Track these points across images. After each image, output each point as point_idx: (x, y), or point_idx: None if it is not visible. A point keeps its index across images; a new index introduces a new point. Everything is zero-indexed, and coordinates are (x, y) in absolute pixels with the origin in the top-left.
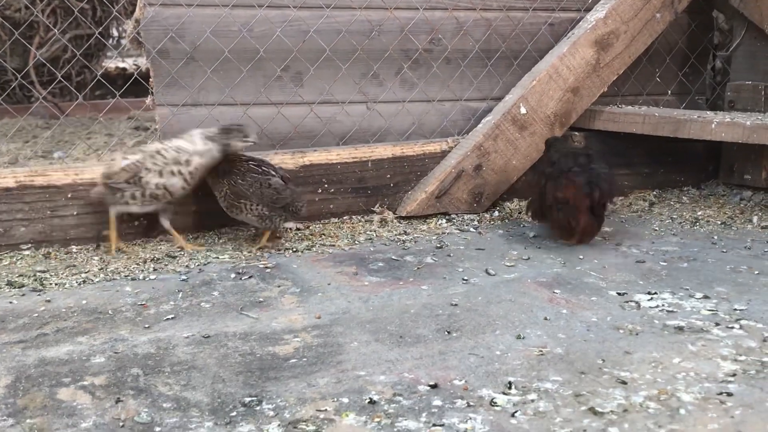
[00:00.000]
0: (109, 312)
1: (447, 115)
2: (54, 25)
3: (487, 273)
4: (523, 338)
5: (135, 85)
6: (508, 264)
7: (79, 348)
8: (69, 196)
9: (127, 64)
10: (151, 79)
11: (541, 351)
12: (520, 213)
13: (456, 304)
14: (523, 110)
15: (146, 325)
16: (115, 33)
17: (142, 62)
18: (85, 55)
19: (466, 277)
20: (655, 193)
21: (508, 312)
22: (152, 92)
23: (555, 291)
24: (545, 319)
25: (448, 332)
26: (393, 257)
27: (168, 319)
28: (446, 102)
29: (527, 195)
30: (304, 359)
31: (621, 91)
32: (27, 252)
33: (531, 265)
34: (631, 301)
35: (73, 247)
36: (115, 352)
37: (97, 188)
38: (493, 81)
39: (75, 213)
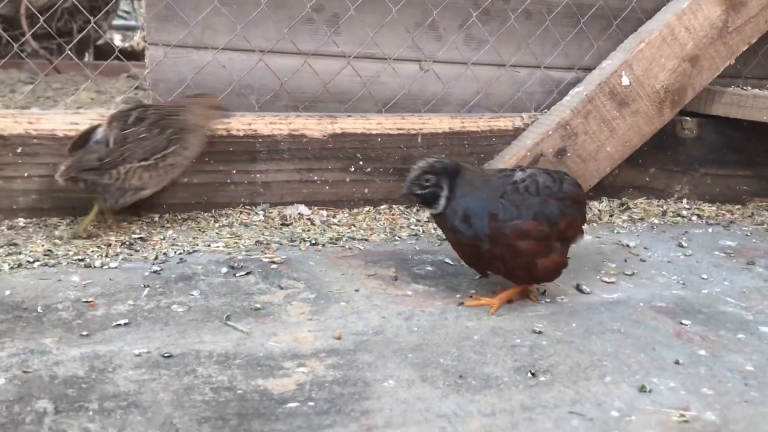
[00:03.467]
0: (38, 309)
1: (523, 85)
2: None
3: (579, 290)
4: (650, 391)
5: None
6: (606, 280)
7: None
8: (19, 151)
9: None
10: (142, 10)
11: (683, 415)
12: (611, 216)
13: (540, 332)
14: (625, 81)
15: (84, 332)
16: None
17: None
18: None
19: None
20: None
21: (618, 349)
22: (143, 28)
23: (682, 322)
24: (676, 363)
25: (533, 374)
26: (446, 260)
27: (119, 325)
28: (522, 68)
29: None
30: (311, 403)
31: (743, 71)
32: None
33: (638, 283)
34: None
35: (20, 220)
36: (25, 371)
37: None
38: (584, 45)
39: (26, 175)
